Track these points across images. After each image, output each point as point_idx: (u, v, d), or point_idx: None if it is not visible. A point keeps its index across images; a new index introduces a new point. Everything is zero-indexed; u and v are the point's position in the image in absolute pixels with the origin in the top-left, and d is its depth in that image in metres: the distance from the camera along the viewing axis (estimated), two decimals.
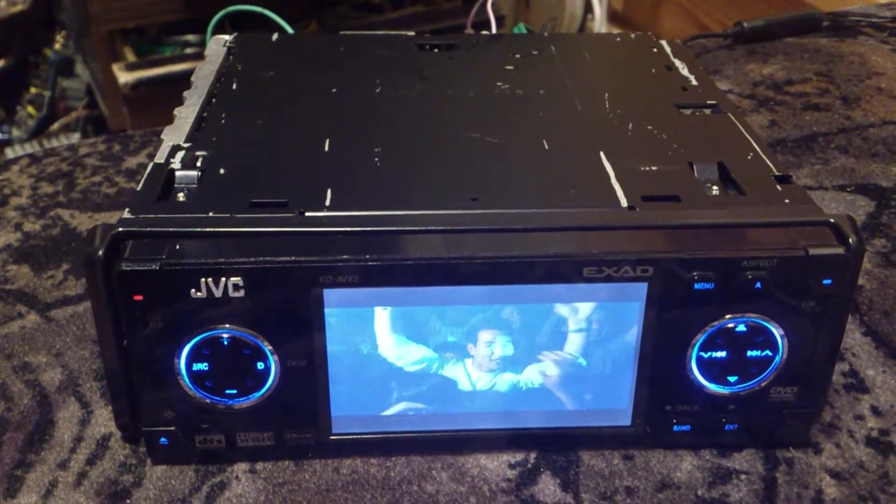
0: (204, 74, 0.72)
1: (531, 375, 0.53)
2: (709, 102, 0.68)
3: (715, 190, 0.57)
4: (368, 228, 0.51)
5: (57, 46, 2.23)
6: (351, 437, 0.55)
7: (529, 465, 0.54)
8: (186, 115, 0.65)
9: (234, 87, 0.70)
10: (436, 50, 0.79)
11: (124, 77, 1.90)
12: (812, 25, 1.06)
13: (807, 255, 0.50)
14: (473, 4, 0.98)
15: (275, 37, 0.80)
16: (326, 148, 0.60)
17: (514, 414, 0.55)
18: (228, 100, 0.68)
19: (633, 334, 0.52)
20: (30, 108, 2.22)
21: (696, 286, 0.50)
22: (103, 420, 0.57)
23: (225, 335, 0.50)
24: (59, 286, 0.68)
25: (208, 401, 0.52)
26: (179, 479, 0.53)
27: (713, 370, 0.53)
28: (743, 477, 0.54)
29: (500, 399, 0.54)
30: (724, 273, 0.50)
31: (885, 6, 1.15)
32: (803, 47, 1.02)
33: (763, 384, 0.53)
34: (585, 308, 0.52)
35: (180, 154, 0.59)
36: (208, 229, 0.51)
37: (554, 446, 0.55)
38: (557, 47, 0.79)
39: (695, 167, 0.58)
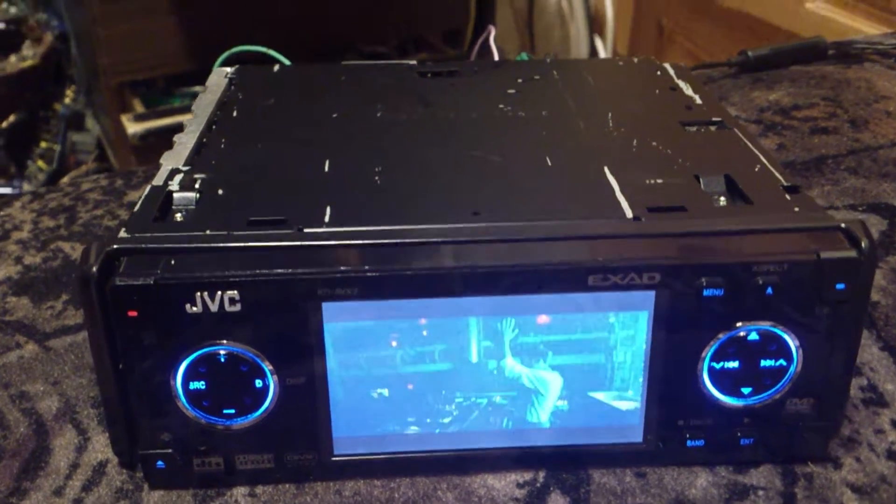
0: (204, 104, 0.72)
1: (538, 391, 0.52)
2: (714, 119, 0.67)
3: (722, 201, 0.55)
4: (368, 241, 0.49)
5: (67, 101, 2.25)
6: (353, 458, 0.53)
7: (538, 484, 0.52)
8: (185, 140, 0.65)
9: (235, 114, 0.70)
10: (437, 77, 0.78)
11: (133, 128, 1.90)
12: (817, 54, 1.06)
13: (818, 259, 0.48)
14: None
15: (276, 68, 0.80)
16: (326, 168, 0.60)
17: (521, 432, 0.53)
18: (228, 126, 0.67)
19: (641, 345, 0.51)
20: (40, 163, 2.23)
21: (706, 293, 0.48)
22: (100, 446, 0.55)
23: (222, 352, 0.49)
24: (58, 316, 0.67)
25: (206, 421, 0.51)
26: None
27: (726, 382, 0.51)
28: (761, 493, 0.52)
29: (507, 416, 0.53)
30: (733, 279, 0.48)
31: (890, 34, 1.14)
32: (809, 74, 1.01)
33: (778, 396, 0.52)
34: (592, 319, 0.50)
35: (178, 177, 0.58)
36: (205, 245, 0.50)
37: (563, 465, 0.54)
38: (560, 72, 0.78)
39: (701, 180, 0.57)
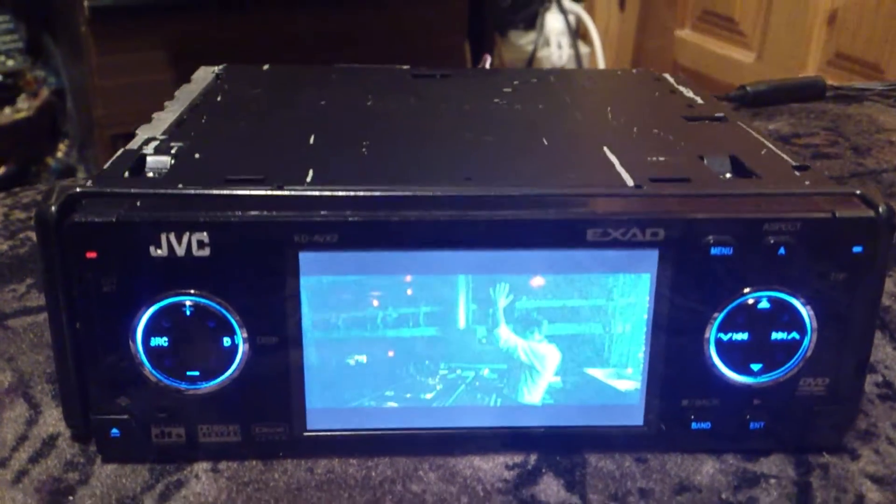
0: (187, 91, 0.69)
1: (531, 365, 0.48)
2: (717, 115, 0.64)
3: (728, 177, 0.52)
4: (351, 192, 0.46)
5: (59, 154, 2.24)
6: (328, 433, 0.48)
7: (529, 467, 0.48)
8: (164, 116, 0.62)
9: (219, 98, 0.67)
10: (430, 78, 0.76)
11: None
12: (816, 93, 1.04)
13: (834, 218, 0.45)
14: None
15: (265, 67, 0.78)
16: (311, 141, 0.56)
17: (510, 410, 0.49)
18: (211, 108, 0.65)
19: (643, 312, 0.47)
20: None
21: (713, 251, 0.45)
22: (52, 420, 0.51)
23: (188, 303, 0.45)
24: (20, 298, 0.62)
25: (167, 384, 0.46)
26: (131, 478, 0.47)
27: (734, 356, 0.47)
28: (773, 481, 0.47)
29: (496, 393, 0.48)
30: (743, 236, 0.45)
31: (888, 81, 1.13)
32: (808, 109, 1.00)
33: (790, 374, 0.47)
34: (590, 281, 0.46)
35: (154, 144, 0.55)
36: (174, 191, 0.46)
37: (557, 448, 0.49)
38: (557, 77, 0.76)
39: (705, 159, 0.54)
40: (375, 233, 0.44)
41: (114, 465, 0.48)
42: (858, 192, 0.47)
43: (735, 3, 2.02)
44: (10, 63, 2.17)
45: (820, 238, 0.45)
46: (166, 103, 0.65)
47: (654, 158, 0.54)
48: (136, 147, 0.54)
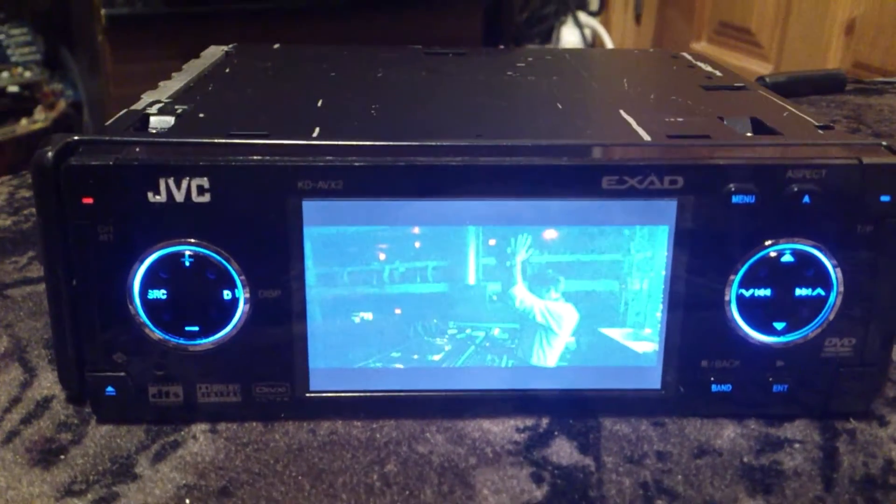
0: (197, 63, 0.68)
1: (544, 324, 0.46)
2: (737, 84, 0.63)
3: (749, 135, 0.51)
4: (358, 143, 0.44)
5: None
6: (332, 394, 0.46)
7: (541, 430, 0.46)
8: (171, 84, 0.60)
9: (227, 70, 0.66)
10: (444, 56, 0.75)
11: None
12: (836, 85, 1.03)
13: (861, 165, 0.43)
14: None
15: (276, 45, 0.77)
16: (319, 104, 0.55)
17: (523, 371, 0.47)
18: (220, 77, 0.63)
19: (661, 267, 0.45)
20: None
21: (735, 199, 0.43)
22: (47, 384, 0.49)
23: (188, 252, 0.43)
24: (20, 269, 0.61)
25: (165, 339, 0.45)
26: (126, 438, 0.45)
27: (756, 313, 0.45)
28: (797, 445, 0.45)
29: (507, 354, 0.46)
30: (766, 184, 0.43)
31: None
32: (828, 100, 0.98)
33: (815, 333, 0.45)
34: (606, 234, 0.44)
35: (158, 105, 0.53)
36: (175, 140, 0.45)
37: (570, 412, 0.47)
38: (572, 54, 0.74)
39: (726, 120, 0.52)
40: (382, 179, 0.43)
41: (109, 425, 0.46)
42: (885, 143, 0.45)
43: (751, 15, 2.01)
44: (28, 74, 2.18)
45: (846, 186, 0.43)
46: (174, 74, 0.64)
47: (672, 119, 0.52)
48: (140, 108, 0.53)
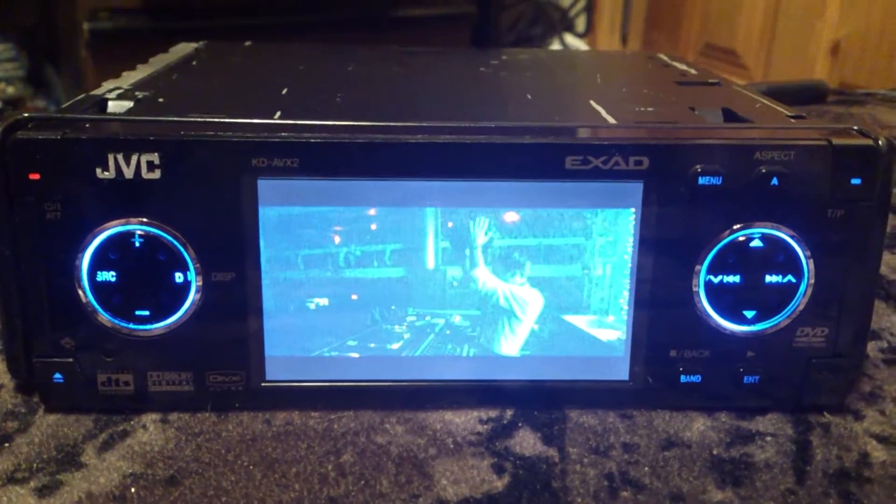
0: (163, 58, 0.67)
1: (506, 310, 0.44)
2: (710, 80, 0.62)
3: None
4: (315, 122, 0.43)
5: None
6: (288, 384, 0.45)
7: (505, 421, 0.44)
8: (134, 74, 0.59)
9: (195, 63, 0.64)
10: (419, 55, 0.74)
11: None
12: (818, 95, 1.02)
13: (831, 146, 0.42)
14: None
15: (248, 43, 0.76)
16: (283, 92, 0.54)
17: (485, 361, 0.45)
18: (186, 69, 0.62)
19: (627, 253, 0.43)
20: None
21: (701, 181, 0.42)
22: None
23: (138, 232, 0.42)
24: None
25: (114, 324, 0.43)
26: (74, 427, 0.43)
27: (726, 300, 0.44)
28: (769, 438, 0.43)
29: (468, 342, 0.45)
30: (733, 165, 0.42)
31: (893, 88, 1.11)
32: (809, 110, 0.97)
33: (786, 322, 0.44)
34: (569, 217, 0.43)
35: (118, 91, 0.52)
36: (129, 118, 0.44)
37: (534, 403, 0.45)
38: (547, 54, 0.74)
39: (696, 110, 0.51)
40: (338, 157, 0.41)
41: (57, 414, 0.44)
42: (856, 127, 0.44)
43: (737, 36, 2.01)
44: (11, 90, 2.17)
45: (815, 169, 0.42)
46: (138, 66, 0.63)
47: (642, 108, 0.51)
48: (99, 93, 0.51)
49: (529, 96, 0.55)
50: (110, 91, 0.52)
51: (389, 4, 1.99)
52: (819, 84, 1.02)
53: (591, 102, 0.52)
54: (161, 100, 0.50)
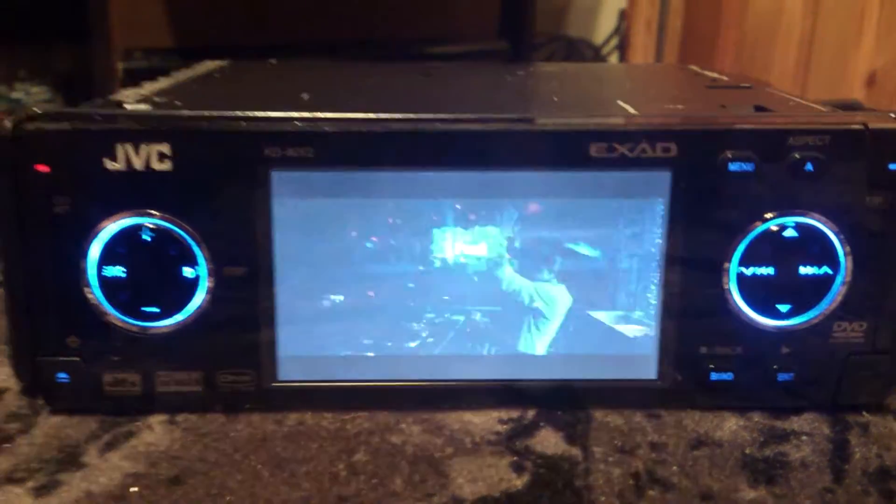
0: (187, 73, 0.66)
1: (529, 307, 0.42)
2: (742, 84, 0.60)
3: None
4: (331, 114, 0.42)
5: None
6: (301, 384, 0.43)
7: (526, 421, 0.42)
8: (156, 85, 0.58)
9: (218, 76, 0.64)
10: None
11: None
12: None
13: (867, 130, 0.40)
14: None
15: (273, 61, 0.75)
16: (304, 97, 0.53)
17: (507, 360, 0.43)
18: (208, 81, 0.61)
19: (655, 245, 0.42)
20: None
21: (732, 167, 0.40)
22: (2, 377, 0.46)
23: (148, 225, 0.41)
24: None
25: (122, 321, 0.42)
26: (77, 428, 0.42)
27: (758, 293, 0.41)
28: (804, 438, 0.41)
29: (490, 339, 0.43)
30: (766, 151, 0.40)
31: None
32: None
33: (822, 316, 0.42)
34: (594, 209, 0.41)
35: (136, 97, 0.51)
36: (142, 113, 0.43)
37: (558, 404, 0.43)
38: (575, 67, 0.72)
39: (728, 107, 0.49)
40: (355, 147, 0.40)
41: (61, 416, 0.43)
42: (894, 113, 0.42)
43: (772, 66, 1.99)
44: None
45: (851, 154, 0.40)
46: (160, 78, 0.62)
47: (671, 106, 0.49)
48: (116, 98, 0.51)
49: (556, 98, 0.53)
50: (128, 96, 0.51)
51: (422, 42, 1.99)
52: (854, 103, 1.00)
53: (619, 102, 0.50)
54: (178, 103, 0.49)
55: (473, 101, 0.52)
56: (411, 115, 0.41)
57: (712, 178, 0.40)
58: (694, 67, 0.71)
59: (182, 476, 0.38)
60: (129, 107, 0.48)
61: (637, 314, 0.42)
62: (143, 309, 0.42)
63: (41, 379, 0.43)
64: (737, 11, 2.06)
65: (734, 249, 0.41)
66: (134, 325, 0.42)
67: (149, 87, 0.56)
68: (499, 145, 0.40)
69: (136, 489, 0.37)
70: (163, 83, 0.58)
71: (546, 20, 2.00)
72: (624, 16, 2.21)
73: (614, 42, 2.38)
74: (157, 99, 0.50)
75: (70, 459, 0.40)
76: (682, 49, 2.33)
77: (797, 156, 0.40)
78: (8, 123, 0.40)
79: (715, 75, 0.65)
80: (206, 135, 0.40)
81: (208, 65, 0.71)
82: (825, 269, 0.41)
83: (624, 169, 0.40)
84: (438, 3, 1.86)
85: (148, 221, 0.41)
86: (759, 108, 0.48)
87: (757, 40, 2.02)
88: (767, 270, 0.41)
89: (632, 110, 0.46)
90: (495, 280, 0.42)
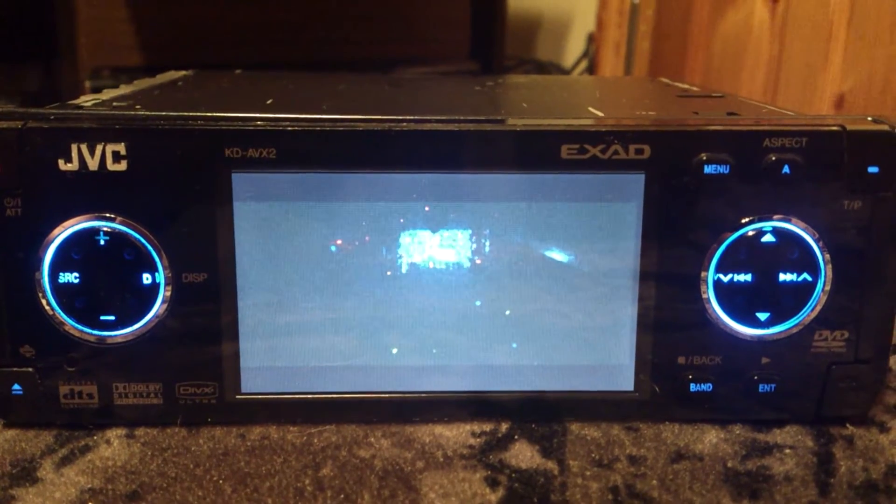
0: (148, 81, 0.65)
1: (498, 314, 0.41)
2: (714, 94, 0.59)
3: None
4: (293, 115, 0.40)
5: None
6: (265, 396, 0.41)
7: (500, 434, 0.41)
8: (116, 91, 0.57)
9: (180, 83, 0.62)
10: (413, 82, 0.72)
11: None
12: None
13: (845, 131, 0.39)
14: None
15: (238, 71, 0.74)
16: (268, 102, 0.51)
17: (479, 371, 0.42)
18: (169, 88, 0.60)
19: (629, 251, 0.40)
20: None
21: (707, 170, 0.39)
22: None
23: (103, 229, 0.39)
24: None
25: (77, 329, 0.40)
26: (33, 442, 0.40)
27: (737, 301, 0.40)
28: (788, 451, 0.40)
29: (462, 350, 0.41)
30: (741, 152, 0.39)
31: None
32: None
33: (803, 324, 0.41)
34: (566, 213, 0.40)
35: (95, 101, 0.50)
36: (91, 112, 0.41)
37: (532, 416, 0.42)
38: (544, 79, 0.72)
39: (700, 114, 0.48)
40: (319, 147, 0.39)
41: (16, 430, 0.41)
42: (870, 117, 0.41)
43: (740, 89, 2.00)
44: None
45: (829, 156, 0.39)
46: (121, 86, 0.61)
47: (643, 113, 0.48)
48: (75, 103, 0.49)
49: (525, 105, 0.52)
50: (87, 100, 0.50)
51: (392, 62, 1.99)
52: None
53: (590, 108, 0.49)
54: (138, 107, 0.48)
55: (442, 106, 0.50)
56: (378, 116, 0.40)
57: (687, 181, 0.39)
58: (664, 79, 0.70)
59: (141, 492, 0.36)
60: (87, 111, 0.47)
61: (612, 322, 0.41)
62: (100, 317, 0.40)
63: None
64: (704, 34, 2.08)
65: (711, 255, 0.40)
66: (90, 334, 0.40)
67: (109, 94, 0.54)
68: (468, 146, 0.39)
69: None
70: (123, 90, 0.57)
71: (516, 43, 2.01)
72: (592, 39, 2.22)
73: (584, 65, 2.38)
74: (115, 104, 0.49)
75: (24, 474, 0.38)
76: (650, 71, 2.34)
77: (773, 158, 0.39)
78: None
79: (686, 86, 0.65)
80: (163, 134, 0.38)
81: (172, 74, 0.69)
82: (805, 276, 0.40)
83: (596, 171, 0.39)
84: (409, 24, 1.85)
85: (103, 225, 0.39)
86: (731, 115, 0.48)
87: (724, 63, 2.03)
88: (745, 277, 0.40)
89: (603, 116, 0.45)
90: (466, 286, 0.41)
